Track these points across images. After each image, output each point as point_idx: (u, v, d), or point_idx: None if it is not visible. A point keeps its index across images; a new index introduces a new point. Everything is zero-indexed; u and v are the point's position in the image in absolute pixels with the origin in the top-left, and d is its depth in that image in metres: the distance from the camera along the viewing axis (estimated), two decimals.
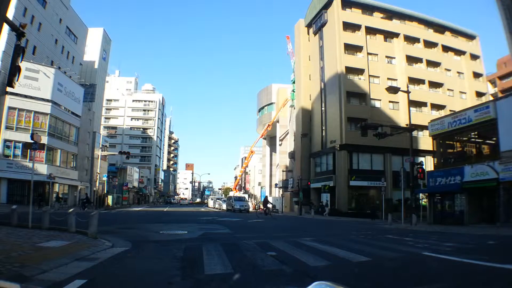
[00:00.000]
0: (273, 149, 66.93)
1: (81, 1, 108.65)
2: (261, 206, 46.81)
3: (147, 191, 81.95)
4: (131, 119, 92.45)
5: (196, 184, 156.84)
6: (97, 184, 42.12)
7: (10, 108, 32.06)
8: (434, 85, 40.06)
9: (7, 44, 30.87)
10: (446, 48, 41.94)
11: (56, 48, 42.45)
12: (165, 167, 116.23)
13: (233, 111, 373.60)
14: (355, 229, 15.82)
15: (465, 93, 41.57)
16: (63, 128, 37.13)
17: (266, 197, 35.03)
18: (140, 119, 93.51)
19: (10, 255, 5.82)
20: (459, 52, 42.93)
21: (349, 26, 38.02)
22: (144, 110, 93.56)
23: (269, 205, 31.56)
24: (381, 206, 27.28)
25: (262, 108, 67.83)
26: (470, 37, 44.70)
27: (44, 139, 30.70)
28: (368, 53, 37.90)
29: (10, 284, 1.56)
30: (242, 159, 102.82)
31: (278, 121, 60.13)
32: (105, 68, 64.06)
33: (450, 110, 33.42)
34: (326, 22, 39.47)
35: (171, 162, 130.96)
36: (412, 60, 39.72)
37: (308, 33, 45.32)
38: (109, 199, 45.25)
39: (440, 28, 42.73)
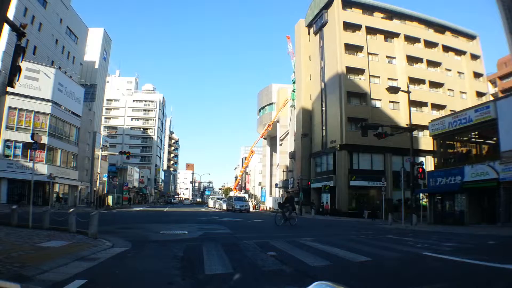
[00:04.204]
0: (273, 149, 66.94)
1: (81, 1, 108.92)
2: (261, 207, 45.45)
3: (148, 191, 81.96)
4: (132, 119, 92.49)
5: (197, 184, 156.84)
6: (98, 184, 42.12)
7: (10, 108, 32.09)
8: (435, 85, 40.05)
9: (7, 44, 30.89)
10: (446, 48, 41.94)
11: (57, 48, 42.47)
12: (165, 167, 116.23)
13: (233, 111, 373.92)
14: (355, 229, 15.82)
15: (465, 93, 41.56)
16: (63, 128, 37.15)
17: (287, 196, 21.66)
18: (141, 119, 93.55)
19: (10, 255, 5.82)
20: (459, 52, 42.91)
21: (349, 26, 38.03)
22: (145, 110, 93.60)
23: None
24: (382, 206, 27.29)
25: (262, 108, 67.86)
26: (471, 37, 44.69)
27: (45, 139, 30.73)
28: (369, 53, 37.90)
29: (10, 284, 1.56)
30: (242, 159, 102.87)
31: (278, 121, 60.15)
32: (106, 68, 64.08)
33: (451, 110, 33.42)
34: (327, 22, 39.47)
35: (172, 162, 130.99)
36: (412, 60, 39.72)
37: (309, 33, 45.32)
38: (110, 199, 45.27)
39: (441, 28, 42.72)
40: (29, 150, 27.50)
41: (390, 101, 37.05)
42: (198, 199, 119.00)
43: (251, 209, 43.58)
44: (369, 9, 39.91)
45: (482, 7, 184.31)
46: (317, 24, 41.70)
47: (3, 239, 8.02)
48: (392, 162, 34.84)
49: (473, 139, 23.63)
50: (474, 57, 43.81)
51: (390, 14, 40.59)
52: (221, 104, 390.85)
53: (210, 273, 5.23)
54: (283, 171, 53.48)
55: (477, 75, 43.41)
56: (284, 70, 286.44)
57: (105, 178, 45.26)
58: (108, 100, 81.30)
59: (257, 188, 78.00)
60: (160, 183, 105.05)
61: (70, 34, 46.21)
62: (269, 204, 56.21)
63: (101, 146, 44.12)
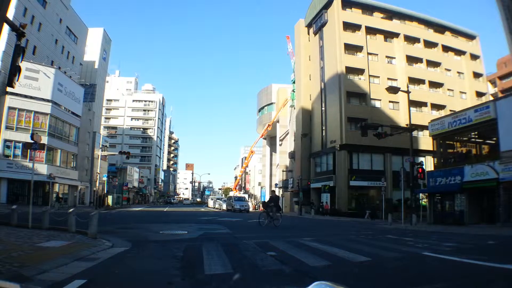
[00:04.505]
0: (273, 149, 66.93)
1: (81, 1, 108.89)
2: (261, 207, 45.15)
3: (147, 191, 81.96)
4: (131, 119, 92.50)
5: (196, 184, 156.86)
6: (97, 184, 42.10)
7: (10, 108, 32.07)
8: (434, 85, 40.07)
9: (7, 44, 30.88)
10: (446, 48, 41.95)
11: (56, 48, 42.46)
12: (165, 167, 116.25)
13: (233, 111, 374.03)
14: (355, 229, 15.82)
15: (465, 93, 41.57)
16: (63, 128, 37.14)
17: (272, 195, 17.76)
18: (140, 119, 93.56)
19: (10, 255, 5.82)
20: (459, 52, 42.92)
21: (349, 26, 38.03)
22: (144, 110, 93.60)
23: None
24: (381, 206, 27.29)
25: (262, 108, 67.84)
26: (470, 37, 44.71)
27: (44, 139, 30.71)
28: (368, 53, 37.91)
29: (10, 284, 1.56)
30: (242, 159, 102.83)
31: (278, 121, 60.13)
32: (105, 68, 64.08)
33: (450, 110, 33.43)
34: (326, 22, 39.47)
35: (171, 162, 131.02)
36: (412, 60, 39.73)
37: (308, 33, 45.32)
38: (109, 199, 45.25)
39: (440, 28, 42.74)
40: (29, 150, 27.47)
41: (390, 101, 37.06)
42: (198, 199, 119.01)
43: (250, 209, 43.60)
44: (369, 9, 39.91)
45: (482, 7, 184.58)
46: (317, 24, 41.71)
47: (3, 239, 8.01)
48: (392, 162, 34.85)
49: (473, 139, 23.66)
50: (474, 57, 43.83)
51: (390, 14, 40.60)
52: (221, 104, 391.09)
53: (209, 273, 5.23)
54: (283, 171, 53.47)
55: (476, 75, 43.42)
56: (284, 70, 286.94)
57: (104, 178, 45.25)
58: (107, 100, 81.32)
59: (256, 188, 77.97)
60: (160, 183, 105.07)
61: (70, 34, 46.20)
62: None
63: (100, 146, 44.13)
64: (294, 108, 49.23)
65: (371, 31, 38.85)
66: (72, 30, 46.39)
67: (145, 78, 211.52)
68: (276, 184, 57.78)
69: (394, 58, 39.30)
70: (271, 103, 63.94)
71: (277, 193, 18.77)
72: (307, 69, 44.55)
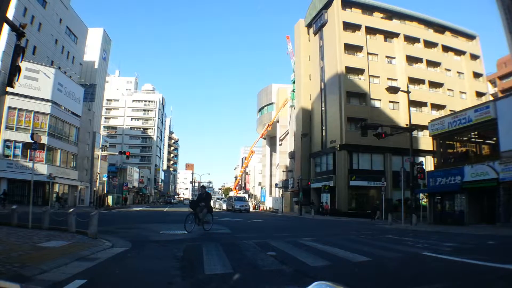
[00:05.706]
0: (273, 149, 66.95)
1: (81, 1, 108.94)
2: (261, 207, 45.00)
3: (147, 191, 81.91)
4: (131, 119, 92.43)
5: (196, 184, 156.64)
6: (97, 184, 42.07)
7: (10, 108, 32.05)
8: (434, 85, 40.07)
9: (7, 44, 30.87)
10: (446, 48, 41.96)
11: (56, 48, 42.43)
12: (165, 167, 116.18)
13: (233, 111, 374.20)
14: (355, 229, 15.82)
15: (465, 93, 41.58)
16: (63, 128, 37.12)
17: (202, 192, 13.56)
18: (140, 119, 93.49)
19: (10, 255, 5.82)
20: (459, 52, 42.93)
21: (349, 26, 38.03)
22: (144, 110, 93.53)
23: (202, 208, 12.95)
24: (381, 206, 27.29)
25: (262, 108, 67.87)
26: (470, 37, 44.71)
27: (44, 139, 30.69)
28: (368, 53, 37.91)
29: (10, 284, 1.55)
30: (242, 159, 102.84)
31: (278, 121, 60.16)
32: (105, 68, 64.05)
33: (450, 110, 33.44)
34: (326, 22, 39.47)
35: (171, 162, 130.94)
36: (412, 60, 39.73)
37: (308, 33, 45.32)
38: (109, 199, 45.22)
39: (440, 28, 42.74)
40: (28, 150, 27.48)
41: (389, 101, 37.07)
42: None
43: (251, 209, 43.64)
44: (369, 9, 39.91)
45: (482, 7, 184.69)
46: (317, 24, 41.71)
47: (3, 239, 8.01)
48: (392, 162, 34.86)
49: (472, 139, 23.65)
50: (474, 57, 43.84)
51: (390, 14, 40.60)
52: (221, 104, 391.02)
53: (210, 273, 5.23)
54: (283, 171, 53.48)
55: (476, 75, 43.43)
56: (284, 70, 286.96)
57: (105, 178, 45.20)
58: (107, 100, 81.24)
59: (257, 188, 78.00)
60: (160, 183, 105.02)
61: (70, 34, 46.17)
62: (269, 204, 56.29)
63: (100, 146, 44.07)
64: (294, 108, 49.24)
65: (371, 31, 38.85)
66: (72, 30, 46.36)
67: (145, 78, 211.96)
68: (276, 184, 57.82)
69: (394, 58, 39.31)
70: (271, 103, 63.97)
71: (208, 190, 13.65)
72: (307, 69, 44.54)
